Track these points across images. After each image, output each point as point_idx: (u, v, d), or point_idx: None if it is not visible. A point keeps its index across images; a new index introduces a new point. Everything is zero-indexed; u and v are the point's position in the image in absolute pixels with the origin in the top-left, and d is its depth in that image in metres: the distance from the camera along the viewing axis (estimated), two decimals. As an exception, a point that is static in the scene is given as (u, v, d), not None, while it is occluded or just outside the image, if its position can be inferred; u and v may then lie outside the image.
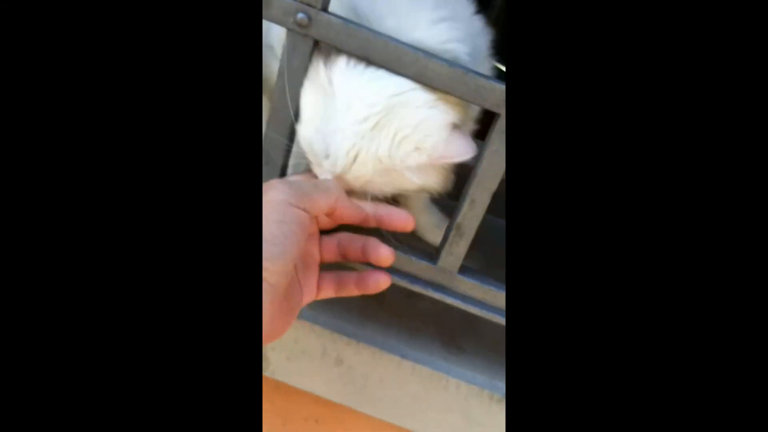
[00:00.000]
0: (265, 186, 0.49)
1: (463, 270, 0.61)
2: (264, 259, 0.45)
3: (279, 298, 0.47)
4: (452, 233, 0.58)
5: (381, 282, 0.57)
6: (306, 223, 0.48)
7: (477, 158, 0.54)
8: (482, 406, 0.72)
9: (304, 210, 0.48)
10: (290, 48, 0.51)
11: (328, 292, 0.57)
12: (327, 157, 0.52)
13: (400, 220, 0.56)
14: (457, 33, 0.54)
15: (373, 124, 0.50)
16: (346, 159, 0.52)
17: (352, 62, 0.51)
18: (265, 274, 0.45)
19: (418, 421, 0.75)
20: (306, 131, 0.54)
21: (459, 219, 0.57)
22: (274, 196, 0.48)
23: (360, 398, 0.74)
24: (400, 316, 0.75)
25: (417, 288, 0.62)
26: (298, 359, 0.73)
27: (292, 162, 0.59)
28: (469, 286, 0.62)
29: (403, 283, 0.62)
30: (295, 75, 0.52)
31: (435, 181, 0.57)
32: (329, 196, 0.51)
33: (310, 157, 0.55)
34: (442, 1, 0.57)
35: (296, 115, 0.54)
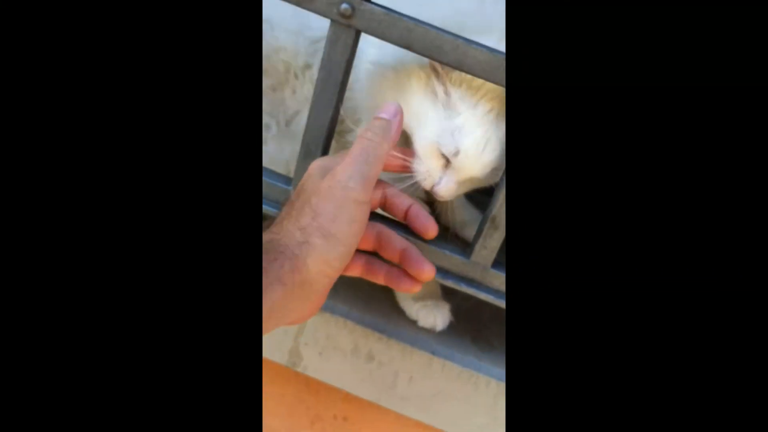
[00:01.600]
0: (335, 178, 0.48)
1: (497, 264, 0.61)
2: (332, 258, 0.46)
3: (329, 286, 0.49)
4: (487, 226, 0.58)
5: (413, 289, 0.56)
6: (368, 213, 0.50)
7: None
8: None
9: (369, 201, 0.49)
10: (333, 39, 0.52)
11: (355, 272, 0.57)
12: (457, 153, 0.55)
13: (426, 224, 0.56)
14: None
15: (496, 114, 0.55)
16: (477, 148, 0.55)
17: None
18: (329, 271, 0.47)
19: (446, 418, 0.75)
20: (429, 135, 0.57)
21: (494, 212, 0.57)
22: (347, 194, 0.47)
23: (390, 395, 0.75)
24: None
25: (449, 283, 0.62)
26: (330, 355, 0.73)
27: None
28: (503, 280, 0.61)
29: (435, 278, 0.61)
30: (337, 66, 0.53)
31: None
32: (379, 164, 0.50)
33: (433, 162, 0.57)
34: None
35: (337, 105, 0.56)
